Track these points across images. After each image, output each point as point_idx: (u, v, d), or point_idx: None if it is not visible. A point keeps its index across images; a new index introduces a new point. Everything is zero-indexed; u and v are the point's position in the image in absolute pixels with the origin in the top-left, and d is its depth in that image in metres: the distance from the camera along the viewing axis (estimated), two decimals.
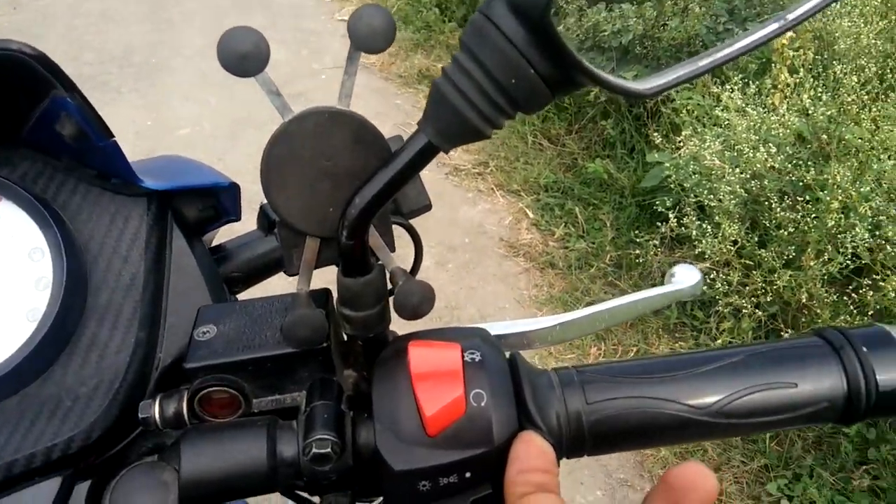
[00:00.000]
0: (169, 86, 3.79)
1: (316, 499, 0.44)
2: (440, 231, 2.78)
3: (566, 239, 2.70)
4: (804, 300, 1.91)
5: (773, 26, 0.36)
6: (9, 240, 0.44)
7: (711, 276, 2.04)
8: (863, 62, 2.06)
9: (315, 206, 0.38)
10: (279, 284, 0.53)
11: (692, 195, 2.11)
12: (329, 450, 0.37)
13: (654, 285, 2.16)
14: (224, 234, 0.60)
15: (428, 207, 0.49)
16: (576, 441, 0.38)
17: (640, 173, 2.67)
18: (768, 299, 1.97)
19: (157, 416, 0.41)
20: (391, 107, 3.54)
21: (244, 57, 0.35)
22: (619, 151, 2.87)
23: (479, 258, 2.68)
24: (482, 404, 0.36)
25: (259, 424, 0.39)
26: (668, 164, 2.23)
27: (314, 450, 0.37)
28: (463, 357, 0.38)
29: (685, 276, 0.56)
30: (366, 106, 3.47)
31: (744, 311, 1.98)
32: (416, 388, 0.36)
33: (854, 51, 2.14)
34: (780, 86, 2.16)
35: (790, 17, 0.36)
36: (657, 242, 2.28)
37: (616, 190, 2.77)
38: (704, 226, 2.05)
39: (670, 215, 2.13)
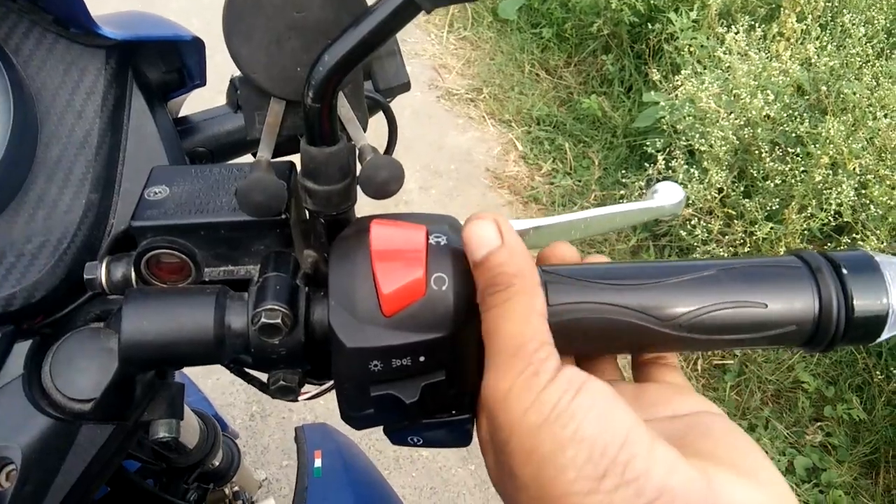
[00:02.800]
0: None
1: (264, 377, 0.42)
2: (427, 155, 2.73)
3: (553, 174, 2.66)
4: (782, 254, 1.90)
5: None
6: None
7: (692, 222, 2.03)
8: (873, 13, 2.00)
9: (281, 63, 0.36)
10: None
11: (683, 138, 2.07)
12: (279, 320, 0.35)
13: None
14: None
15: (407, 86, 0.45)
16: None
17: (635, 113, 2.62)
18: (746, 251, 1.96)
19: (103, 278, 0.39)
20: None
21: None
22: (616, 89, 2.80)
23: (464, 186, 2.64)
24: (443, 288, 0.34)
25: (208, 292, 0.37)
26: (663, 105, 2.18)
27: (263, 319, 0.35)
28: (427, 239, 0.36)
29: (668, 194, 0.53)
30: None
31: (734, 256, 1.98)
32: (375, 266, 0.34)
33: (865, 1, 2.07)
34: (786, 32, 2.09)
35: None
36: (643, 184, 2.25)
37: (608, 128, 2.71)
38: (692, 171, 2.02)
39: (659, 157, 2.09)
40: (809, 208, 1.82)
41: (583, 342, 0.37)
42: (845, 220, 1.85)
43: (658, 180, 2.28)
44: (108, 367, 0.40)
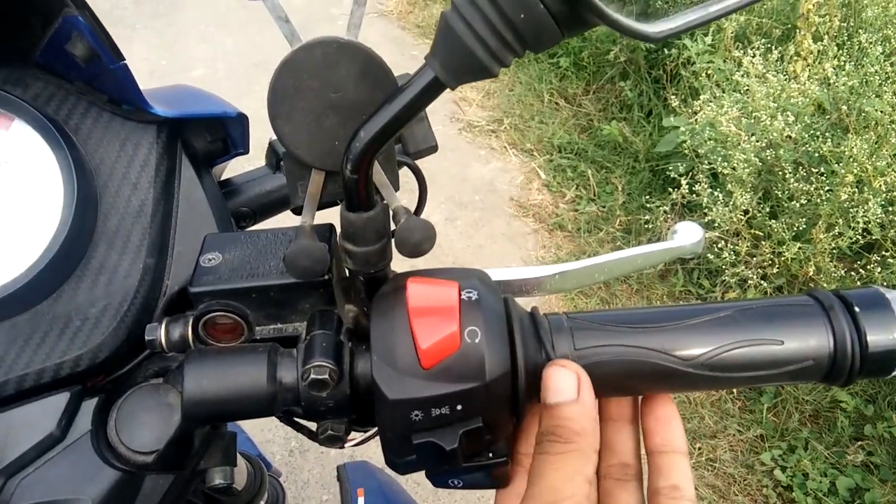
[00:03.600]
0: (185, 25, 3.75)
1: (312, 426, 0.45)
2: (451, 187, 2.76)
3: (577, 201, 2.68)
4: (811, 274, 1.89)
5: None
6: (22, 160, 0.45)
7: (720, 245, 2.03)
8: (889, 32, 2.00)
9: (321, 139, 0.38)
10: (287, 222, 0.53)
11: (706, 162, 2.09)
12: (326, 376, 0.38)
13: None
14: (233, 171, 0.60)
15: (434, 148, 0.49)
16: None
17: (656, 138, 2.63)
18: (775, 271, 1.96)
19: (162, 338, 0.42)
20: (408, 58, 3.49)
21: None
22: (636, 115, 2.82)
23: (489, 216, 2.67)
24: (476, 341, 0.37)
25: (260, 350, 0.40)
26: (683, 129, 2.20)
27: (312, 375, 0.38)
28: (460, 295, 0.38)
29: (687, 233, 0.55)
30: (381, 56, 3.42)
31: (749, 281, 1.97)
32: (413, 322, 0.37)
33: (882, 20, 2.08)
34: (803, 53, 2.11)
35: None
36: (667, 209, 2.26)
37: (630, 154, 2.73)
38: (716, 194, 2.03)
39: (682, 181, 2.11)
40: (837, 227, 1.82)
41: (610, 384, 0.39)
42: (874, 237, 1.84)
43: (682, 204, 2.29)
44: (169, 420, 0.42)
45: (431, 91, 0.34)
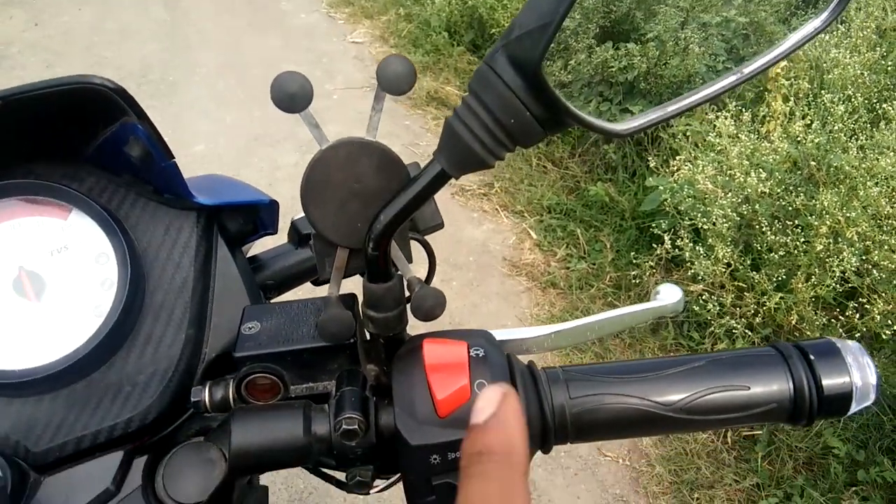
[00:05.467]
0: (185, 103, 3.89)
1: (340, 476, 0.51)
2: (446, 249, 2.85)
3: (568, 259, 2.76)
4: (794, 322, 1.96)
5: (731, 78, 0.43)
6: (79, 245, 0.52)
7: (704, 297, 2.10)
8: (850, 92, 2.13)
9: (345, 222, 0.45)
10: (305, 292, 0.59)
11: (687, 218, 2.18)
12: (356, 426, 0.44)
13: None
14: (258, 247, 0.67)
15: (440, 226, 0.56)
16: (560, 430, 0.45)
17: (641, 196, 2.74)
18: (760, 321, 2.02)
19: (206, 400, 0.49)
20: (401, 128, 3.63)
21: (292, 97, 0.42)
22: (621, 175, 2.93)
23: (483, 276, 2.74)
24: None
25: (296, 406, 0.47)
26: (664, 188, 2.30)
27: (344, 426, 0.44)
28: (469, 353, 0.45)
29: (669, 294, 0.62)
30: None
31: (736, 332, 2.04)
32: (430, 377, 0.43)
33: (842, 81, 2.21)
34: (774, 114, 2.23)
35: (746, 70, 0.43)
36: (653, 264, 2.34)
37: (617, 213, 2.83)
38: (698, 248, 2.11)
39: (666, 238, 2.19)
40: (815, 276, 1.90)
41: (602, 428, 0.45)
42: (853, 285, 1.91)
43: (667, 259, 2.38)
44: (211, 475, 0.48)
45: (439, 181, 0.40)
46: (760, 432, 2.10)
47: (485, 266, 2.79)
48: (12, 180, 0.51)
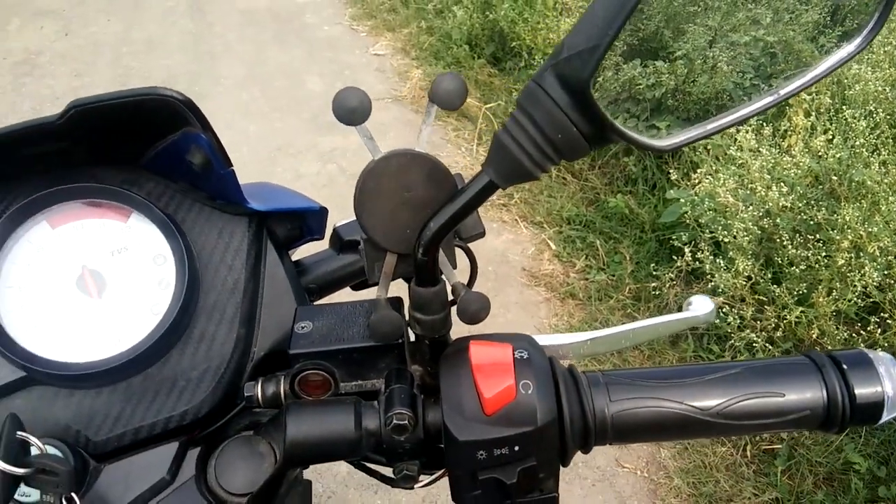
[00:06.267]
0: (210, 113, 3.89)
1: (383, 470, 0.53)
2: (465, 258, 2.86)
3: (587, 271, 2.77)
4: (815, 337, 1.96)
5: (768, 99, 0.45)
6: (138, 246, 0.55)
7: (725, 310, 2.10)
8: (871, 108, 2.14)
9: (395, 228, 0.47)
10: (343, 296, 0.62)
11: (707, 231, 2.19)
12: (406, 422, 0.46)
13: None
14: (300, 251, 0.70)
15: (482, 234, 0.58)
16: (601, 431, 0.47)
17: (661, 209, 2.75)
18: (780, 335, 2.02)
19: (259, 395, 0.51)
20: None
21: (353, 111, 0.44)
22: (641, 187, 2.95)
23: (502, 286, 2.76)
24: (529, 392, 0.45)
25: (347, 402, 0.49)
26: (684, 201, 2.31)
27: (395, 421, 0.46)
28: (514, 354, 0.47)
29: (701, 305, 0.63)
30: (396, 137, 3.60)
31: (756, 345, 2.04)
32: (476, 377, 0.45)
33: (863, 97, 2.22)
34: (795, 128, 2.24)
35: (781, 92, 0.46)
36: (673, 276, 2.35)
37: (637, 225, 2.84)
38: (719, 261, 2.12)
39: (686, 250, 2.20)
40: (835, 291, 1.90)
41: (640, 431, 0.47)
42: (874, 300, 1.91)
43: (687, 272, 2.38)
44: (260, 467, 0.50)
45: (487, 191, 0.43)
46: (780, 446, 2.10)
47: (504, 276, 2.81)
48: (76, 184, 0.54)
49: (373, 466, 0.55)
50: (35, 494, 0.47)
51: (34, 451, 0.46)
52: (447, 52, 4.36)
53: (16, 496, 0.45)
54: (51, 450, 0.47)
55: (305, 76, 4.43)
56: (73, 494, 0.46)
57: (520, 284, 2.77)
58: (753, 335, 2.02)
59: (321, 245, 0.72)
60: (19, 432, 0.45)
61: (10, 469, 0.43)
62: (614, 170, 3.12)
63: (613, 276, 2.70)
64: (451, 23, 4.38)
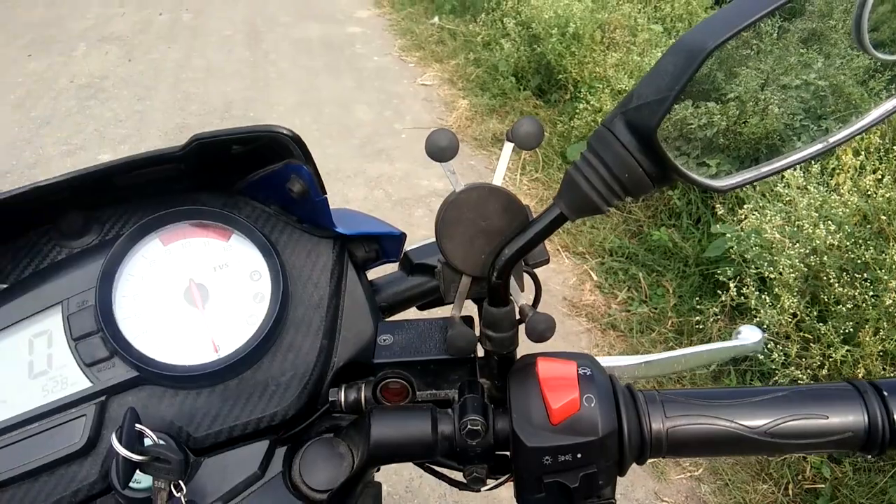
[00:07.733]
0: None
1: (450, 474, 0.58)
2: None
3: (628, 302, 2.79)
4: (861, 376, 1.95)
5: (818, 146, 0.49)
6: (237, 264, 0.61)
7: (769, 346, 2.10)
8: None
9: (472, 254, 0.51)
10: (409, 315, 0.66)
11: (753, 267, 2.19)
12: (479, 427, 0.51)
13: None
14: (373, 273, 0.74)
15: (547, 261, 0.62)
16: (656, 445, 0.51)
17: (705, 243, 2.76)
18: (825, 373, 2.01)
19: (342, 400, 0.57)
20: (465, 167, 3.74)
21: (443, 150, 0.49)
22: (685, 221, 2.96)
23: None
24: (591, 405, 0.50)
25: (425, 408, 0.55)
26: (730, 236, 2.32)
27: (469, 426, 0.51)
28: (577, 370, 0.51)
29: (749, 335, 0.67)
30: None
31: (800, 383, 2.03)
32: (544, 389, 0.50)
33: None
34: (844, 167, 2.24)
35: (831, 140, 0.49)
36: (717, 311, 2.35)
37: (680, 258, 2.85)
38: (764, 297, 2.12)
39: (731, 285, 2.21)
40: (882, 331, 1.89)
41: (693, 446, 0.51)
42: None
43: (732, 307, 2.39)
44: (340, 467, 0.56)
45: (557, 223, 0.48)
46: (823, 486, 2.07)
47: (545, 304, 2.78)
48: (186, 206, 0.61)
49: (440, 470, 0.60)
50: (146, 481, 0.53)
51: (147, 441, 0.52)
52: (493, 83, 4.45)
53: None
54: (162, 441, 0.53)
55: (355, 104, 4.56)
56: (181, 482, 0.52)
57: (560, 314, 2.79)
58: (798, 372, 2.01)
59: (390, 267, 0.77)
60: (137, 424, 0.51)
61: (130, 455, 0.49)
62: (658, 203, 3.14)
63: (656, 308, 2.71)
64: (499, 55, 4.47)
